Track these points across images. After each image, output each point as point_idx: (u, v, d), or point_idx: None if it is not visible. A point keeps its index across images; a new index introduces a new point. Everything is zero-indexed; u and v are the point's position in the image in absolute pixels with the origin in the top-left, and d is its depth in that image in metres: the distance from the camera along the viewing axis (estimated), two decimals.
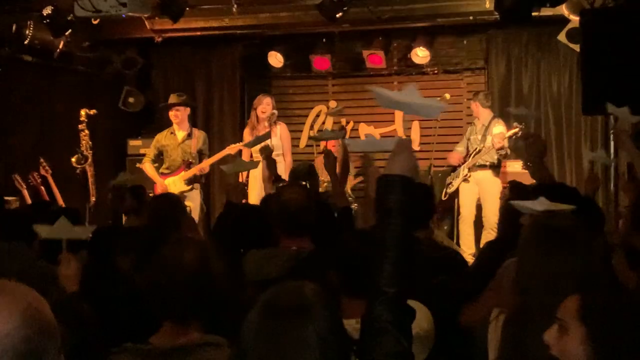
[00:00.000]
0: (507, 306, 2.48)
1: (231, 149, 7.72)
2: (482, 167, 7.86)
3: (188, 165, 7.61)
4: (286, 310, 1.62)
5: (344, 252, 2.68)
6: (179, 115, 7.66)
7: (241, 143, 7.64)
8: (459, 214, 7.96)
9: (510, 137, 7.75)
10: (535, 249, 2.37)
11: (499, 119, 7.98)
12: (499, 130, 7.83)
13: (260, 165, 5.76)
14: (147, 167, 7.71)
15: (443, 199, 8.01)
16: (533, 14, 6.33)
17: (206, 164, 7.69)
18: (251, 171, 6.64)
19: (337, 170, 4.34)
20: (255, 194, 7.13)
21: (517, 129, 7.63)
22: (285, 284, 1.72)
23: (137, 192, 5.60)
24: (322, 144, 8.87)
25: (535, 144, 4.58)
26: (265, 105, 7.67)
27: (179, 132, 7.73)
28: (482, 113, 8.04)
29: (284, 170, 6.89)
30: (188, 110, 7.84)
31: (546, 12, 6.96)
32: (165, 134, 7.78)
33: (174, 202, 4.62)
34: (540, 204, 2.86)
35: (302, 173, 5.39)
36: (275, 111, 7.71)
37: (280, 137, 7.66)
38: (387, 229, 1.87)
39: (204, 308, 2.34)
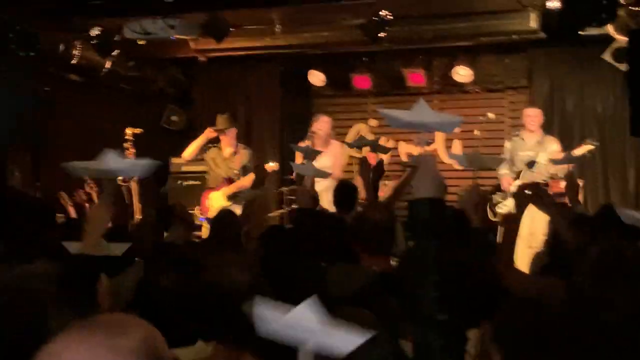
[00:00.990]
0: None
1: (268, 168, 7.84)
2: None
3: (230, 181, 7.72)
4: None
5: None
6: (230, 138, 7.84)
7: (273, 164, 7.80)
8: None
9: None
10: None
11: (550, 135, 7.76)
12: (556, 147, 7.51)
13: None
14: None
15: (493, 219, 7.78)
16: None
17: (247, 180, 7.76)
18: (319, 182, 6.63)
19: (394, 185, 4.24)
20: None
21: (592, 146, 7.21)
22: (344, 310, 1.71)
23: (180, 210, 5.65)
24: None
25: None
26: (321, 123, 7.71)
27: (226, 149, 7.86)
28: (539, 127, 7.69)
29: (329, 187, 6.92)
30: (235, 130, 7.95)
31: (590, 31, 6.89)
32: (214, 148, 7.93)
33: (235, 219, 4.61)
34: None
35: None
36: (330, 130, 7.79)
37: (332, 155, 7.69)
38: (423, 254, 1.85)
39: (254, 329, 2.32)
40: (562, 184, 7.52)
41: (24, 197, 4.54)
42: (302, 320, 1.48)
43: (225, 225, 4.34)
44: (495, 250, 3.11)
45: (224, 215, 4.91)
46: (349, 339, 1.45)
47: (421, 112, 2.06)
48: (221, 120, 7.88)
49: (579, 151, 7.20)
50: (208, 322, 2.31)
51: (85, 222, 2.73)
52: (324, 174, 6.15)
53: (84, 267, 2.63)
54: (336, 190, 5.12)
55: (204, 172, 8.13)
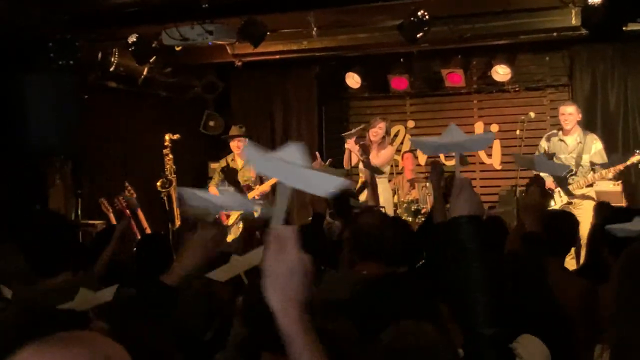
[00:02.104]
0: (610, 340, 2.35)
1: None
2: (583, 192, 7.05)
3: (248, 188, 7.68)
4: (413, 350, 1.57)
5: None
6: (240, 146, 7.91)
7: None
8: None
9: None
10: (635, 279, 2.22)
11: (592, 133, 7.39)
12: (599, 146, 7.14)
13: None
14: (212, 191, 7.81)
15: None
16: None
17: (266, 185, 7.74)
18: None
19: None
20: None
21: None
22: (403, 324, 1.66)
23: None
24: (401, 163, 8.82)
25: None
26: (377, 129, 7.71)
27: (239, 160, 7.94)
28: (576, 125, 7.27)
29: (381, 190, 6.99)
30: (247, 140, 7.98)
31: (632, 26, 6.74)
32: (227, 160, 7.99)
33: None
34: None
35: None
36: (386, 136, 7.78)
37: (384, 157, 7.68)
38: (467, 272, 1.78)
39: None
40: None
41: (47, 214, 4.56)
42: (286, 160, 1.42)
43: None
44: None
45: None
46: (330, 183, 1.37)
47: (452, 135, 1.99)
48: (235, 129, 8.02)
49: (629, 161, 6.89)
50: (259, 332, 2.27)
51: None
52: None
53: None
54: (333, 199, 4.87)
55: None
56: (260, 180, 7.80)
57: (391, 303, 2.40)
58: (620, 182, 7.34)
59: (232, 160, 8.01)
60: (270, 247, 1.33)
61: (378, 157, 7.55)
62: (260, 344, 2.29)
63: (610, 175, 6.88)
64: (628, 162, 6.88)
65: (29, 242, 2.90)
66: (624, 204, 7.13)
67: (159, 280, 2.24)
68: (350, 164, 7.66)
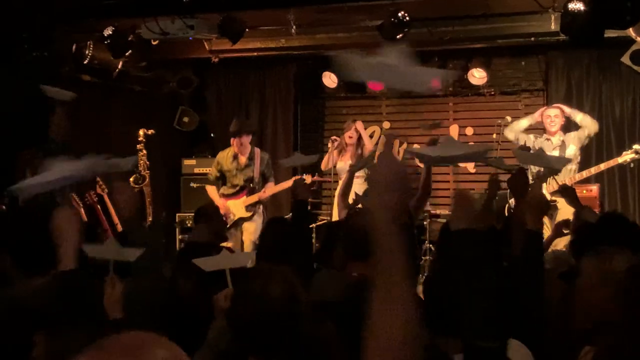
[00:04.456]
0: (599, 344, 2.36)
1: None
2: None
3: (251, 191, 7.53)
4: None
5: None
6: (244, 143, 7.54)
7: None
8: None
9: None
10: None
11: (569, 133, 7.45)
12: (574, 150, 7.25)
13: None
14: (208, 188, 7.70)
15: None
16: None
17: (269, 192, 7.62)
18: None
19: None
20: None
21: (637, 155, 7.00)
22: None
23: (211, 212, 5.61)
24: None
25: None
26: (352, 132, 7.73)
27: (241, 157, 7.62)
28: (560, 128, 7.39)
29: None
30: (250, 136, 7.71)
31: (609, 33, 6.78)
32: (226, 156, 7.65)
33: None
34: None
35: None
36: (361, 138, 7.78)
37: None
38: (467, 284, 1.76)
39: (291, 344, 2.24)
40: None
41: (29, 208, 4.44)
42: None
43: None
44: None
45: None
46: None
47: (449, 146, 1.99)
48: (237, 123, 7.74)
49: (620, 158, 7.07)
50: (244, 336, 2.22)
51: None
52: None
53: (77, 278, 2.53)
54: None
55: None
56: (264, 179, 7.63)
57: None
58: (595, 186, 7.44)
59: (234, 157, 7.59)
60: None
61: (355, 159, 7.52)
62: (247, 348, 2.24)
63: (592, 171, 6.99)
64: (620, 159, 7.07)
65: (16, 238, 2.80)
66: (597, 208, 7.20)
67: None
68: (331, 164, 7.63)
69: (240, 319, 2.26)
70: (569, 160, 6.56)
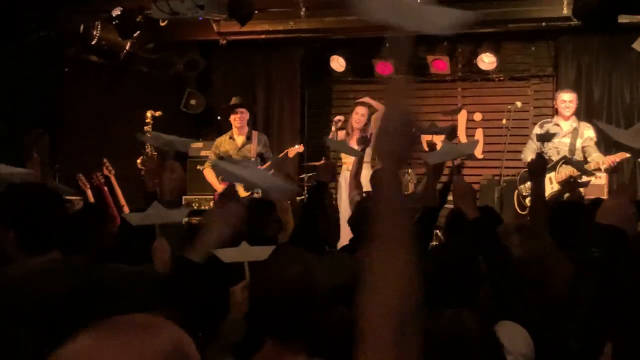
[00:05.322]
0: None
1: (291, 152, 7.72)
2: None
3: None
4: (448, 340, 1.51)
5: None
6: (243, 118, 7.58)
7: (297, 147, 7.75)
8: None
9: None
10: None
11: (583, 121, 7.36)
12: (592, 134, 7.13)
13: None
14: (207, 172, 7.67)
15: (522, 212, 7.16)
16: None
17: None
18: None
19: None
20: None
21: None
22: (444, 312, 1.60)
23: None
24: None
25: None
26: (359, 116, 7.64)
27: (239, 137, 7.64)
28: (573, 114, 7.28)
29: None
30: (248, 114, 7.76)
31: (623, 19, 6.72)
32: (224, 139, 7.69)
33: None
34: None
35: None
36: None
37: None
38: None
39: (309, 327, 2.21)
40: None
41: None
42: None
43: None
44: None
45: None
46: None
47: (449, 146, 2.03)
48: (237, 99, 7.75)
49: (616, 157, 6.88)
50: (262, 318, 2.20)
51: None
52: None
53: None
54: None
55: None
56: (262, 159, 7.61)
57: None
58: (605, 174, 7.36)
59: (231, 138, 7.64)
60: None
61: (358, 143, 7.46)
62: (264, 329, 2.21)
63: (605, 165, 6.86)
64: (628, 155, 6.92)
65: (16, 215, 2.74)
66: (605, 196, 7.15)
67: (184, 257, 2.23)
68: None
69: (258, 298, 2.23)
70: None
